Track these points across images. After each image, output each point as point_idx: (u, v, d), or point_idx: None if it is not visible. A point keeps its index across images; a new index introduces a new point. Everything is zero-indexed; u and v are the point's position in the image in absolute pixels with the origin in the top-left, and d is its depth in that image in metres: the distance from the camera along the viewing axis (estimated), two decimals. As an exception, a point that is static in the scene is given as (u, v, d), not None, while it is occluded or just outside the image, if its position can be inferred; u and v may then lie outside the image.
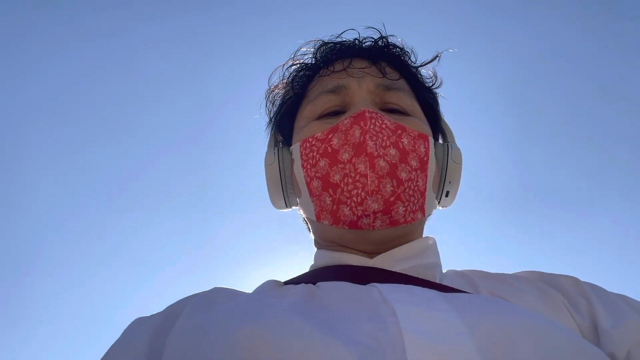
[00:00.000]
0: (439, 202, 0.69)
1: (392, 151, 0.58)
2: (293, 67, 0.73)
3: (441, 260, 0.64)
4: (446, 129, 0.74)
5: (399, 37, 0.71)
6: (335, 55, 0.69)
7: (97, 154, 2.94)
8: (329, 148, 0.60)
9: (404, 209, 0.58)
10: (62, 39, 2.70)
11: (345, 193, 0.58)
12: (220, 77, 2.84)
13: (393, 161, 0.58)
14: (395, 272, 0.56)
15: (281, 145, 0.70)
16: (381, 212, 0.57)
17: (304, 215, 0.71)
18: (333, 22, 0.72)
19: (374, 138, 0.58)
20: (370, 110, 0.60)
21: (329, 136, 0.61)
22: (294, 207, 0.72)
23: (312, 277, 0.59)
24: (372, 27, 0.71)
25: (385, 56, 0.69)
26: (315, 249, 0.68)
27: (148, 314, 0.55)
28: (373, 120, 0.59)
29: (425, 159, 0.61)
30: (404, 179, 0.58)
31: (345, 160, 0.58)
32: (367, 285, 0.51)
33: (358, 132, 0.59)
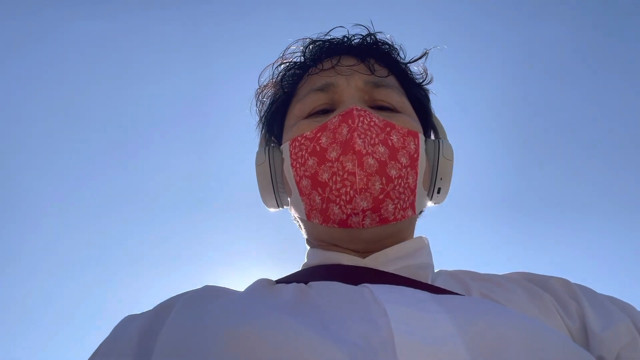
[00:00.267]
0: (431, 199, 0.69)
1: (381, 149, 0.58)
2: (282, 66, 0.73)
3: (433, 261, 0.64)
4: (437, 125, 0.74)
5: (388, 34, 0.71)
6: (324, 53, 0.69)
7: (88, 153, 2.93)
8: (317, 147, 0.60)
9: (393, 206, 0.58)
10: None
11: (334, 192, 0.58)
12: (213, 76, 2.84)
13: (382, 159, 0.58)
14: (387, 273, 0.56)
15: (272, 145, 0.70)
16: (370, 210, 0.57)
17: (295, 215, 0.71)
18: (323, 20, 0.73)
19: (362, 136, 0.58)
20: (359, 107, 0.60)
21: (318, 135, 0.61)
22: (285, 207, 0.72)
23: (303, 277, 0.59)
24: (360, 25, 0.71)
25: (373, 53, 0.69)
26: (308, 247, 0.68)
27: (138, 312, 0.55)
28: (361, 118, 0.59)
29: (415, 155, 0.61)
30: (393, 177, 0.58)
31: (333, 159, 0.58)
32: (359, 285, 0.51)
33: (346, 130, 0.59)
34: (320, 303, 0.47)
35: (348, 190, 0.57)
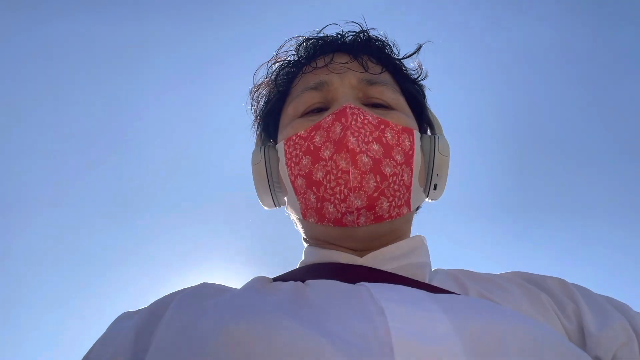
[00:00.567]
0: (427, 195, 0.68)
1: (375, 146, 0.58)
2: (276, 65, 0.72)
3: (431, 259, 0.64)
4: (433, 121, 0.73)
5: (382, 30, 0.71)
6: (317, 51, 0.69)
7: (87, 153, 2.92)
8: (311, 146, 0.60)
9: (388, 204, 0.58)
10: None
11: (328, 190, 0.58)
12: (207, 75, 2.83)
13: (376, 156, 0.57)
14: (385, 271, 0.56)
15: (268, 144, 0.70)
16: (365, 209, 0.57)
17: (291, 214, 0.71)
18: (317, 18, 0.72)
19: (356, 134, 0.57)
20: (352, 106, 0.60)
21: (312, 134, 0.61)
22: (282, 206, 0.72)
23: (301, 275, 0.59)
24: (353, 22, 0.70)
25: (367, 50, 0.69)
26: (305, 245, 0.68)
27: (134, 309, 0.54)
28: (355, 116, 0.59)
29: (411, 152, 0.61)
30: (388, 174, 0.58)
31: (327, 158, 0.58)
32: (356, 284, 0.51)
33: (339, 128, 0.58)
34: (317, 301, 0.47)
35: (342, 188, 0.57)
